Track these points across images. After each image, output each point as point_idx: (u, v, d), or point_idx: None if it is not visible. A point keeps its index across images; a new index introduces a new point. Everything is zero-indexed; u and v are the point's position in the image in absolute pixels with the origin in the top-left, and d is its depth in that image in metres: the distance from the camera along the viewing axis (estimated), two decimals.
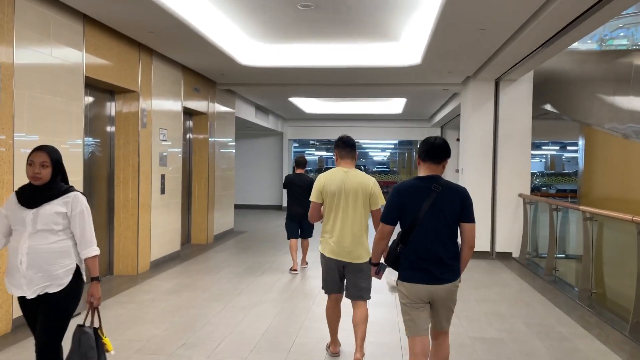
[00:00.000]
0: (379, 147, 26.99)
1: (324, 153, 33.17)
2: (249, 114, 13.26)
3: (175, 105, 8.38)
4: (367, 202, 3.89)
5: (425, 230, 2.98)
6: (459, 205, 3.04)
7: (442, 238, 2.99)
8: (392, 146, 25.32)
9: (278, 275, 7.36)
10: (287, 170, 17.76)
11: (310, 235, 7.75)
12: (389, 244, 3.19)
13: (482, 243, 9.13)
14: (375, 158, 38.66)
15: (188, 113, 9.70)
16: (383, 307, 5.62)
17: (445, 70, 8.67)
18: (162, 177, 7.89)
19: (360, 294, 3.94)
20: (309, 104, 14.88)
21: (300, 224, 7.58)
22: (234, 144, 11.87)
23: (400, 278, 3.10)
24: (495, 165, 9.12)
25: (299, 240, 7.76)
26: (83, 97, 5.79)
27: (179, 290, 6.38)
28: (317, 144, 24.35)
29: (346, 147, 4.03)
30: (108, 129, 7.05)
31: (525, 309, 5.88)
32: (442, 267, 2.99)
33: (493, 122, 9.13)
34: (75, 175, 5.58)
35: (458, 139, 17.59)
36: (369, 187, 3.89)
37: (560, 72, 9.52)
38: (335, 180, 3.93)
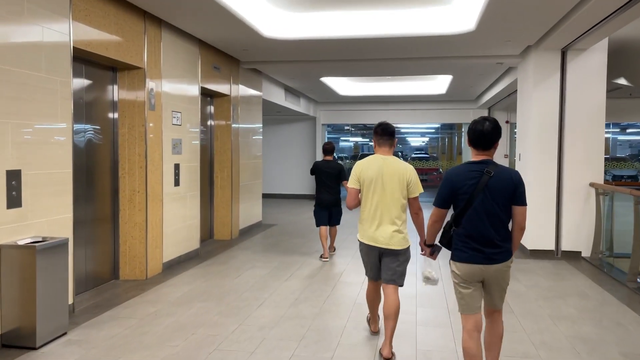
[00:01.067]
0: (417, 131, 25.49)
1: (359, 139, 31.96)
2: (278, 96, 12.21)
3: (191, 86, 7.40)
4: (404, 190, 3.89)
5: (478, 213, 3.05)
6: (511, 188, 3.08)
7: (494, 220, 3.06)
8: (432, 130, 23.84)
9: (308, 281, 6.32)
10: (320, 157, 16.72)
11: (339, 223, 7.76)
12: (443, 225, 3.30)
13: (545, 240, 7.85)
14: (413, 144, 37.13)
15: (208, 95, 8.71)
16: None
17: (503, 39, 7.38)
18: (176, 166, 6.94)
19: (394, 278, 3.94)
20: (342, 85, 13.72)
21: (329, 211, 7.54)
22: (261, 129, 10.86)
23: (453, 258, 3.19)
24: (562, 150, 7.79)
25: (328, 227, 7.70)
26: (70, 73, 4.82)
27: (190, 301, 5.41)
28: (353, 129, 23.15)
29: (384, 135, 4.02)
30: (110, 112, 6.11)
31: (617, 331, 4.65)
32: (494, 247, 3.06)
33: (559, 99, 7.78)
34: (58, 166, 4.65)
35: (507, 121, 16.20)
36: (406, 175, 3.89)
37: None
38: (373, 167, 3.92)
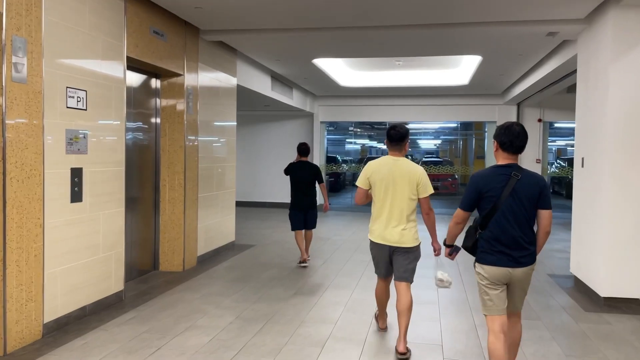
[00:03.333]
0: (430, 132, 22.89)
1: (366, 141, 29.43)
2: (261, 84, 9.83)
3: (107, 52, 5.02)
4: (414, 190, 3.99)
5: (505, 216, 3.09)
6: (537, 191, 3.11)
7: (521, 223, 3.09)
8: (448, 131, 21.29)
9: (283, 349, 3.91)
10: (319, 161, 14.31)
11: (315, 226, 7.41)
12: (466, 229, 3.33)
13: (630, 285, 5.38)
14: (424, 146, 34.45)
15: (148, 73, 6.34)
16: None
17: None
18: (75, 172, 4.56)
19: (406, 275, 4.05)
20: (343, 74, 11.31)
21: (305, 214, 7.22)
22: (234, 125, 8.47)
23: (479, 261, 3.21)
24: None
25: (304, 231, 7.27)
26: None
27: None
28: (359, 130, 20.66)
29: (395, 139, 4.06)
30: None
31: None
32: (521, 250, 3.10)
33: None
34: None
35: (540, 120, 13.75)
36: (416, 176, 3.98)
37: None
38: (384, 168, 4.03)
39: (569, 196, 19.86)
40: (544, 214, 3.14)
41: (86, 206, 4.71)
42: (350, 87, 12.16)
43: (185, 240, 6.71)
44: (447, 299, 5.62)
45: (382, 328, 4.54)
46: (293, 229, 7.24)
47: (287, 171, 7.29)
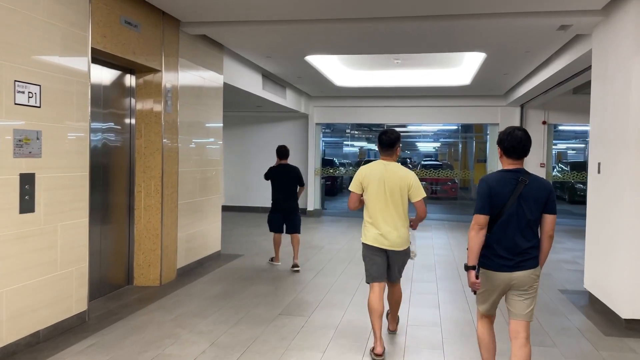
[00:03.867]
0: (430, 134, 22.29)
1: (364, 144, 28.89)
2: (251, 83, 9.26)
3: (65, 41, 4.44)
4: (405, 195, 4.05)
5: (510, 221, 3.07)
6: (545, 196, 3.10)
7: (526, 228, 3.08)
8: (447, 134, 20.72)
9: None
10: (315, 164, 13.74)
11: (299, 231, 7.26)
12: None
13: None
14: (422, 149, 33.86)
15: (118, 67, 5.76)
16: None
17: None
18: (26, 178, 3.98)
19: (398, 276, 4.26)
20: (338, 73, 10.75)
21: (285, 217, 7.18)
22: (221, 126, 7.89)
23: (480, 264, 3.16)
24: None
25: (282, 235, 7.31)
26: None
27: None
28: (356, 132, 20.10)
29: (387, 143, 4.14)
30: None
31: None
32: (522, 254, 3.08)
33: None
34: None
35: (545, 122, 13.20)
36: (407, 180, 4.04)
37: None
38: (375, 173, 4.08)
39: (572, 201, 19.51)
40: (549, 219, 3.13)
41: (39, 217, 4.13)
42: (347, 87, 11.59)
43: (163, 251, 6.13)
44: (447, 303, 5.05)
45: (379, 355, 3.95)
46: (271, 230, 7.25)
47: (268, 176, 7.25)
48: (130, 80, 5.97)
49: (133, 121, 6.00)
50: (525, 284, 3.10)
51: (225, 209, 14.13)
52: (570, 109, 12.56)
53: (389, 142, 4.13)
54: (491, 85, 11.22)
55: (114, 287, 5.85)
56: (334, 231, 11.11)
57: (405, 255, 4.17)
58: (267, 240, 9.56)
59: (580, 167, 16.87)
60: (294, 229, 7.18)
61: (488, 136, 13.53)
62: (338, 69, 10.58)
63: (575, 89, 11.41)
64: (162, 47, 6.00)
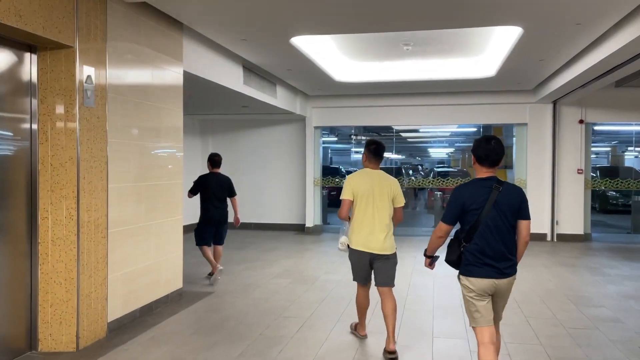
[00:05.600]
0: (444, 138, 20.23)
1: None
2: (227, 76, 7.51)
3: None
4: (391, 201, 4.31)
5: (489, 228, 3.17)
6: (518, 203, 3.22)
7: (504, 235, 3.19)
8: (463, 137, 18.77)
9: None
10: (313, 172, 11.97)
11: (223, 242, 7.05)
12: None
13: None
14: (434, 154, 31.81)
15: (9, 42, 4.01)
16: None
17: None
18: None
19: (388, 281, 4.34)
20: (337, 63, 8.98)
21: (217, 229, 6.89)
22: (180, 128, 6.13)
23: (465, 274, 3.25)
24: None
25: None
26: None
27: None
28: (363, 138, 18.22)
29: (377, 154, 4.41)
30: None
31: None
32: (506, 261, 3.20)
33: None
34: None
35: (582, 121, 11.30)
36: (393, 187, 4.33)
37: None
38: (366, 180, 4.31)
39: (605, 210, 17.55)
40: (524, 224, 3.25)
41: None
42: (348, 82, 9.81)
43: (82, 301, 4.36)
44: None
45: (363, 335, 4.66)
46: (200, 244, 6.82)
47: (197, 184, 6.86)
48: (30, 62, 4.24)
49: (34, 117, 4.26)
50: (507, 290, 3.26)
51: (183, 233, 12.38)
52: (612, 106, 10.68)
53: (380, 152, 4.43)
54: (520, 77, 9.38)
55: (9, 353, 4.09)
56: (334, 254, 9.28)
57: (393, 261, 4.37)
58: (251, 269, 7.77)
59: (612, 173, 15.01)
60: (221, 240, 7.01)
61: (514, 139, 11.67)
62: (337, 59, 8.82)
63: (618, 82, 9.57)
64: (75, 14, 4.26)
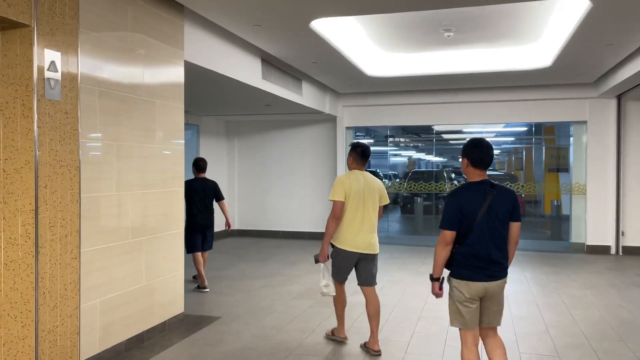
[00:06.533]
0: (487, 138, 18.75)
1: (412, 153, 25.66)
2: (243, 69, 6.65)
3: None
4: (378, 201, 4.48)
5: (483, 232, 3.15)
6: (510, 206, 3.22)
7: (497, 238, 3.18)
8: (511, 137, 17.29)
9: None
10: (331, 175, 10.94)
11: (211, 247, 6.91)
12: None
13: None
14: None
15: None
16: None
17: None
18: None
19: (372, 280, 4.47)
20: (368, 55, 8.00)
21: (204, 235, 6.75)
22: (182, 127, 5.28)
23: (456, 276, 3.23)
24: None
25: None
26: None
27: None
28: (403, 140, 17.25)
29: (364, 157, 4.55)
30: None
31: None
32: (497, 264, 3.18)
33: None
34: None
35: None
36: (381, 188, 4.52)
37: None
38: (357, 182, 4.40)
39: None
40: (515, 226, 3.26)
41: None
42: (381, 77, 8.82)
43: (43, 337, 3.54)
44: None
45: (344, 337, 4.66)
46: (191, 251, 6.62)
47: (187, 191, 6.04)
48: None
49: None
50: (498, 293, 3.24)
51: (238, 233, 11.67)
52: None
53: (366, 154, 4.55)
54: (581, 67, 8.15)
55: None
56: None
57: (376, 260, 4.51)
58: (267, 286, 6.87)
59: None
60: (210, 245, 6.88)
61: (572, 139, 10.38)
62: (368, 50, 7.85)
63: None
64: None
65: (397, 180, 16.53)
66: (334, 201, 4.34)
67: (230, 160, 11.98)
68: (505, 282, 3.26)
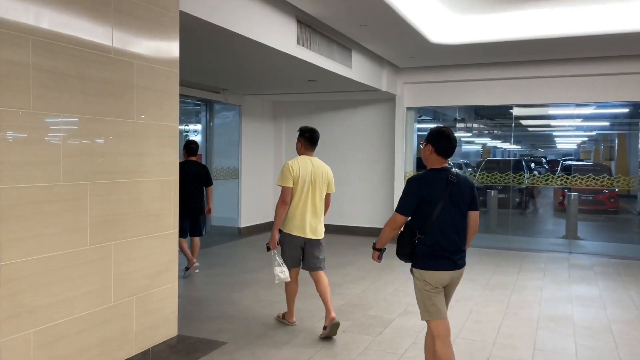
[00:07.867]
0: (577, 121, 16.04)
1: (487, 140, 23.36)
2: (273, 32, 5.37)
3: None
4: (325, 187, 4.51)
5: (445, 220, 3.12)
6: (469, 194, 3.21)
7: (458, 226, 3.17)
8: (603, 119, 14.82)
9: None
10: (404, 166, 9.56)
11: (202, 234, 6.85)
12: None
13: None
14: (560, 145, 27.09)
15: None
16: None
17: None
18: None
19: (319, 265, 4.54)
20: (431, 15, 6.48)
21: (193, 220, 6.63)
22: (173, 95, 4.07)
23: (421, 267, 3.18)
24: None
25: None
26: None
27: None
28: (477, 126, 15.39)
29: (314, 140, 4.56)
30: None
31: None
32: (459, 252, 3.19)
33: None
34: None
35: None
36: (329, 175, 4.55)
37: None
38: (306, 167, 4.43)
39: None
40: (474, 215, 3.24)
41: None
42: (449, 44, 7.25)
43: None
44: None
45: (292, 322, 4.73)
46: (179, 236, 5.83)
47: (180, 174, 5.49)
48: None
49: None
50: (458, 281, 3.24)
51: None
52: None
53: (315, 138, 4.55)
54: None
55: None
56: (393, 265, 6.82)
57: (323, 245, 4.56)
58: (300, 297, 5.59)
59: None
60: (200, 231, 6.79)
61: None
62: (432, 10, 6.34)
63: None
64: None
65: (469, 170, 14.63)
66: (282, 187, 4.37)
67: (277, 144, 10.83)
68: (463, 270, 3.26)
